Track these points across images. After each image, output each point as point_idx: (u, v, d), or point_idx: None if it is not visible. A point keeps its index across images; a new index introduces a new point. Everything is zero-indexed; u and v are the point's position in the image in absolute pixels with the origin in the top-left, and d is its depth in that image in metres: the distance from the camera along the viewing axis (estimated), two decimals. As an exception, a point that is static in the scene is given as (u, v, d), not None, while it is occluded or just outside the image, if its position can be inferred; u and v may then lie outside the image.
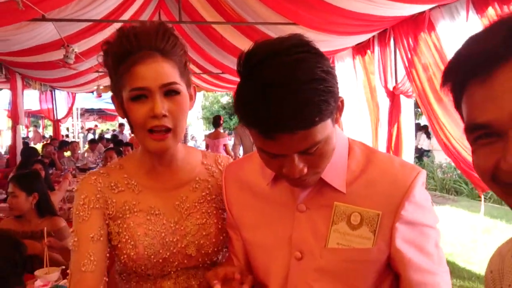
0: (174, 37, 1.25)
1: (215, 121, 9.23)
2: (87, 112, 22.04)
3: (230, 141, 9.17)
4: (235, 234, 1.32)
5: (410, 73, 4.87)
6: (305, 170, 1.01)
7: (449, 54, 4.35)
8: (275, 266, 1.19)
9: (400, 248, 1.08)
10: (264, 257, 1.23)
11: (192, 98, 1.34)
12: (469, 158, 3.99)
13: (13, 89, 8.83)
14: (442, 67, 4.33)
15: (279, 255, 1.18)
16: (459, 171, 10.69)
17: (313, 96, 0.91)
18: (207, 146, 9.13)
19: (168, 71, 1.21)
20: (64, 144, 10.32)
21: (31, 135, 18.15)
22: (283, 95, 0.90)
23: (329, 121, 0.99)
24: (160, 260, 1.30)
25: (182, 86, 1.25)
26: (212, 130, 9.45)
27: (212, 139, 8.87)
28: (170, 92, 1.22)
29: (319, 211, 1.14)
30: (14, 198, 3.19)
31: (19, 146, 8.96)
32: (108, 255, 1.31)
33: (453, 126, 4.32)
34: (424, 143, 13.83)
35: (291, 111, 0.90)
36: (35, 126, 21.31)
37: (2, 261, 1.92)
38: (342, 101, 1.08)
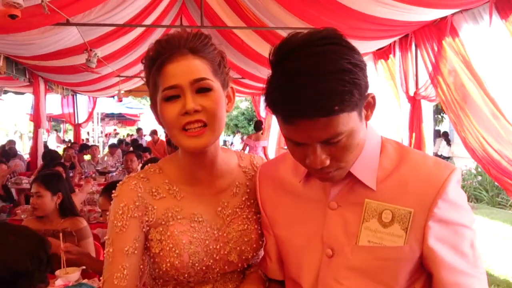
0: (206, 37, 1.24)
1: (257, 125, 10.36)
2: (107, 117, 22.31)
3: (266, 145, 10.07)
4: (268, 233, 1.34)
5: (435, 78, 4.81)
6: (327, 161, 1.02)
7: (474, 59, 4.30)
8: (307, 263, 1.19)
9: (433, 247, 1.05)
10: (296, 255, 1.23)
11: (230, 99, 1.31)
12: (503, 162, 3.95)
13: (36, 93, 8.98)
14: (467, 72, 4.29)
15: (311, 253, 1.18)
16: (479, 178, 10.58)
17: (336, 86, 0.93)
18: (244, 146, 10.23)
19: (198, 67, 1.19)
20: (85, 148, 10.45)
21: (51, 138, 18.42)
22: (307, 82, 0.93)
23: (354, 114, 0.99)
24: (204, 268, 1.28)
25: (215, 83, 1.21)
26: (253, 133, 10.57)
27: (253, 141, 9.88)
28: (202, 89, 1.18)
29: (350, 209, 1.13)
30: (39, 198, 3.22)
31: (41, 150, 9.10)
32: (141, 266, 1.28)
33: (483, 129, 4.23)
34: (444, 150, 13.66)
35: (312, 98, 0.93)
36: (56, 130, 21.64)
37: (27, 257, 1.93)
38: (373, 97, 1.08)
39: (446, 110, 4.81)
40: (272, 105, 1.02)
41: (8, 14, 3.36)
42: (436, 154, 11.73)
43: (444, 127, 15.15)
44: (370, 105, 1.09)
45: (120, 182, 1.30)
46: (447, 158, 13.33)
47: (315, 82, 0.93)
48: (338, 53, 0.96)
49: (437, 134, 13.38)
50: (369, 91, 1.05)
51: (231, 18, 6.85)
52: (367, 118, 1.10)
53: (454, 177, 1.07)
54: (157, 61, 1.18)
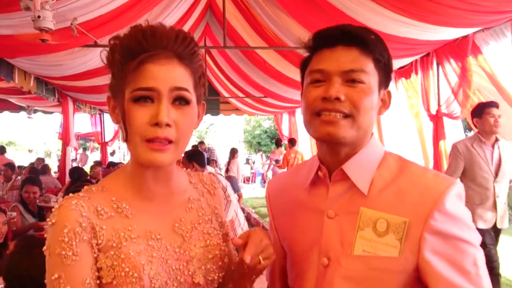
0: (195, 44, 1.11)
1: (277, 142, 12.63)
2: (132, 135, 22.58)
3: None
4: (277, 245, 1.35)
5: (459, 95, 4.83)
6: (342, 96, 1.07)
7: (500, 75, 4.32)
8: (306, 273, 1.21)
9: (429, 260, 1.03)
10: (297, 264, 1.25)
11: (200, 116, 1.18)
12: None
13: (65, 112, 9.28)
14: (493, 88, 4.30)
15: (310, 262, 1.19)
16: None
17: (374, 35, 1.13)
18: (271, 160, 12.61)
19: (182, 76, 1.06)
20: (112, 165, 10.65)
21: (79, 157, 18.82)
22: (349, 24, 1.15)
23: (375, 78, 1.12)
24: None
25: (193, 97, 1.08)
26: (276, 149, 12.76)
27: (277, 155, 12.02)
28: (180, 99, 1.05)
29: (347, 218, 1.14)
30: None
31: (68, 167, 9.31)
32: None
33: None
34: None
35: (351, 29, 1.12)
36: (84, 149, 22.08)
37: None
38: (389, 94, 1.19)
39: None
40: (314, 39, 1.16)
41: (39, 38, 3.52)
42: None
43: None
44: (384, 101, 1.17)
45: (55, 207, 1.06)
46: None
47: (358, 26, 1.14)
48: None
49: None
50: (389, 112, 1.14)
51: (253, 38, 6.98)
52: (379, 111, 1.16)
53: (453, 190, 1.05)
54: (136, 54, 1.01)
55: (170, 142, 1.04)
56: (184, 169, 1.36)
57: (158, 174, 1.15)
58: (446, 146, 5.33)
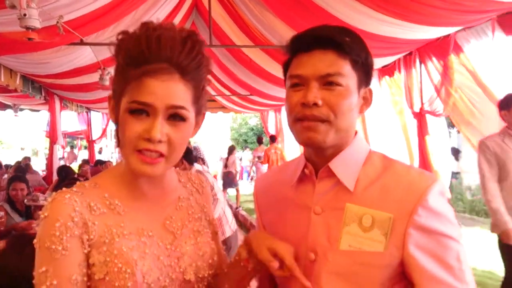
0: (202, 56, 1.09)
1: (259, 140, 13.53)
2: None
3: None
4: None
5: (442, 93, 4.91)
6: (320, 102, 1.10)
7: (481, 72, 4.37)
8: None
9: (413, 254, 1.06)
10: None
11: (198, 125, 1.18)
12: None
13: (52, 110, 9.25)
14: (475, 86, 4.37)
15: (298, 258, 1.18)
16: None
17: (351, 36, 1.15)
18: (255, 155, 13.28)
19: (181, 93, 1.05)
20: (100, 163, 10.62)
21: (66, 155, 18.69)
22: (325, 26, 1.17)
23: (354, 78, 1.14)
24: None
25: (190, 113, 1.08)
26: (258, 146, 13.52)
27: (259, 151, 12.74)
28: (175, 116, 1.05)
29: (333, 214, 1.16)
30: None
31: (56, 165, 9.27)
32: None
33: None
34: (452, 165, 13.57)
35: (332, 30, 1.15)
36: (72, 147, 21.92)
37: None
38: (370, 92, 1.22)
39: (456, 124, 4.88)
40: (291, 43, 1.19)
41: (26, 37, 3.52)
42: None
43: (453, 142, 15.09)
44: (366, 99, 1.20)
45: (49, 200, 1.07)
46: (456, 173, 13.23)
47: (336, 26, 1.16)
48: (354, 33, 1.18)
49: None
50: (372, 111, 1.17)
51: (239, 37, 7.02)
52: (361, 110, 1.19)
53: (436, 187, 1.08)
54: (138, 65, 1.02)
55: (161, 155, 1.05)
56: (173, 168, 1.34)
57: (150, 178, 1.16)
58: (429, 143, 5.41)
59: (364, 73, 1.18)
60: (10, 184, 5.59)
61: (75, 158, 18.73)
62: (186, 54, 1.04)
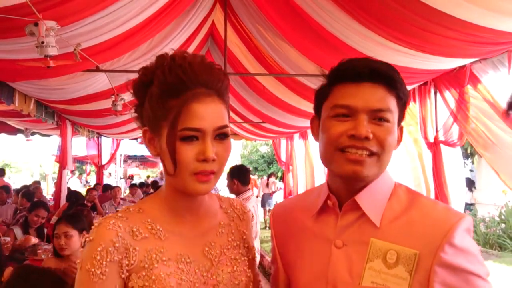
0: (227, 77, 1.18)
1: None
2: (129, 159, 22.65)
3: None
4: (280, 274, 1.35)
5: (459, 123, 4.87)
6: (371, 135, 1.08)
7: (501, 102, 4.30)
8: None
9: None
10: None
11: None
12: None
13: (63, 135, 9.27)
14: (495, 115, 4.31)
15: None
16: (502, 226, 10.28)
17: (397, 74, 1.16)
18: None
19: (222, 113, 1.14)
20: (108, 188, 10.62)
21: (72, 180, 18.74)
22: (376, 60, 1.18)
23: (396, 114, 1.15)
24: None
25: (229, 129, 1.17)
26: None
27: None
28: (221, 135, 1.13)
29: (356, 248, 1.13)
30: (68, 238, 3.32)
31: (64, 191, 9.31)
32: None
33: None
34: (466, 196, 13.39)
35: (379, 66, 1.14)
36: (81, 174, 21.99)
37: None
38: (401, 129, 1.21)
39: (481, 153, 4.78)
40: (338, 71, 1.18)
41: (45, 65, 3.56)
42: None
43: (466, 173, 14.95)
44: (398, 137, 1.19)
45: (96, 224, 1.15)
46: (470, 204, 13.05)
47: (381, 61, 1.16)
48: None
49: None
50: None
51: (253, 65, 7.06)
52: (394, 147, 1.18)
53: (463, 224, 1.06)
54: (180, 92, 1.08)
55: (212, 173, 1.12)
56: (216, 193, 1.44)
57: (191, 201, 1.23)
58: (445, 174, 5.34)
59: (403, 111, 1.19)
60: (33, 209, 5.57)
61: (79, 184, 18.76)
62: (216, 76, 1.13)
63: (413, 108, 5.84)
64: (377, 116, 1.11)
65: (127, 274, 1.11)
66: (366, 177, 1.12)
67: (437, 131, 5.46)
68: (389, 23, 3.92)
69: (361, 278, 1.09)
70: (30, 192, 8.19)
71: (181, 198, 1.21)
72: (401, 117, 1.18)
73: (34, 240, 5.06)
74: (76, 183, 18.05)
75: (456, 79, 4.83)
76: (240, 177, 4.76)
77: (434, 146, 5.44)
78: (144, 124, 1.21)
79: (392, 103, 1.13)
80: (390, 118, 1.12)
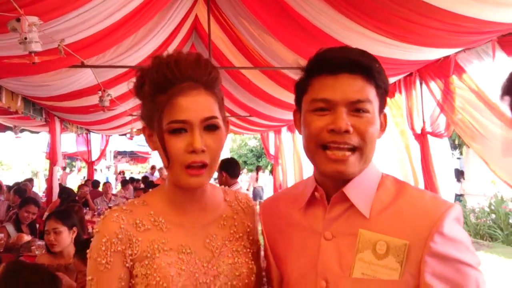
0: (215, 70, 1.20)
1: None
2: (119, 154, 22.55)
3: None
4: (273, 268, 1.33)
5: (446, 114, 4.89)
6: (351, 129, 1.07)
7: (487, 92, 4.31)
8: None
9: (430, 283, 1.01)
10: (294, 286, 1.23)
11: (226, 132, 1.28)
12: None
13: (52, 132, 9.26)
14: (481, 105, 4.33)
15: (307, 285, 1.17)
16: (493, 216, 10.29)
17: (375, 61, 1.14)
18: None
19: (210, 105, 1.17)
20: (98, 184, 10.57)
21: (71, 177, 18.64)
22: (351, 48, 1.17)
23: (377, 103, 1.13)
24: None
25: (220, 121, 1.19)
26: None
27: None
28: (210, 126, 1.16)
29: (345, 239, 1.12)
30: (58, 234, 3.33)
31: (56, 187, 9.34)
32: None
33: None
34: (455, 187, 13.47)
35: (357, 55, 1.12)
36: (64, 168, 21.87)
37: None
38: (385, 116, 1.20)
39: (469, 144, 4.81)
40: (315, 63, 1.15)
41: (30, 61, 3.55)
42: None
43: (455, 164, 15.03)
44: (382, 124, 1.18)
45: (102, 216, 1.24)
46: (459, 195, 13.13)
47: (358, 49, 1.14)
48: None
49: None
50: None
51: (238, 59, 7.06)
52: (378, 136, 1.17)
53: (451, 213, 1.04)
54: (166, 89, 1.13)
55: (204, 166, 1.16)
56: (222, 186, 1.48)
57: (192, 194, 1.27)
58: (433, 164, 5.37)
59: (384, 98, 1.17)
60: (23, 206, 5.57)
61: (65, 178, 18.64)
62: (203, 70, 1.17)
63: (398, 99, 5.87)
64: (357, 108, 1.09)
65: (131, 263, 1.19)
66: (351, 174, 1.12)
67: (424, 122, 5.49)
68: (373, 14, 3.92)
69: (351, 269, 1.08)
70: (22, 189, 8.16)
71: (181, 191, 1.26)
72: (382, 105, 1.16)
73: (26, 237, 5.06)
74: (76, 179, 17.96)
75: (441, 70, 4.85)
76: (229, 170, 4.79)
77: (422, 137, 5.47)
78: (143, 121, 1.27)
79: (371, 92, 1.11)
80: (370, 108, 1.10)
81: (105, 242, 1.17)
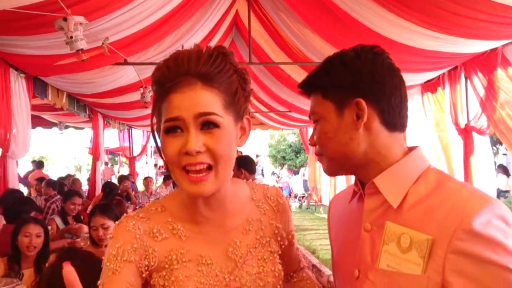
0: (222, 60, 1.06)
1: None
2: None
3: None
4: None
5: (488, 110, 4.73)
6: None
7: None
8: (343, 285, 1.24)
9: (453, 282, 0.96)
10: (338, 276, 1.30)
11: (244, 132, 1.15)
12: None
13: (95, 128, 9.54)
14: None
15: (346, 273, 1.20)
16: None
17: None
18: None
19: (206, 100, 1.02)
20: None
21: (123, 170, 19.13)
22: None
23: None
24: None
25: (224, 119, 1.04)
26: None
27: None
28: (207, 124, 1.02)
29: (379, 231, 1.11)
30: (106, 230, 3.46)
31: (98, 181, 9.63)
32: None
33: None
34: (501, 183, 13.02)
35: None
36: (106, 163, 22.44)
37: (90, 282, 2.07)
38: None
39: (502, 141, 4.66)
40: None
41: (79, 59, 3.68)
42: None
43: (501, 159, 14.54)
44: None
45: (117, 222, 1.15)
46: (505, 191, 12.66)
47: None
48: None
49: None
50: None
51: (277, 54, 7.06)
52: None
53: (487, 209, 0.96)
54: (163, 86, 1.03)
55: (209, 169, 1.03)
56: (250, 181, 1.33)
57: (208, 201, 1.13)
58: (475, 162, 5.23)
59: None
60: (68, 198, 5.74)
61: (112, 173, 19.09)
62: (204, 62, 1.02)
63: (440, 95, 5.73)
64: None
65: (148, 273, 1.11)
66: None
67: (468, 118, 5.34)
68: (417, 8, 3.84)
69: (378, 261, 1.08)
70: (52, 181, 8.32)
71: (195, 199, 1.14)
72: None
73: (86, 229, 5.20)
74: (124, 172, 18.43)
75: (486, 63, 4.70)
76: (247, 166, 4.88)
77: (465, 133, 5.32)
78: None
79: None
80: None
81: (118, 247, 1.08)
